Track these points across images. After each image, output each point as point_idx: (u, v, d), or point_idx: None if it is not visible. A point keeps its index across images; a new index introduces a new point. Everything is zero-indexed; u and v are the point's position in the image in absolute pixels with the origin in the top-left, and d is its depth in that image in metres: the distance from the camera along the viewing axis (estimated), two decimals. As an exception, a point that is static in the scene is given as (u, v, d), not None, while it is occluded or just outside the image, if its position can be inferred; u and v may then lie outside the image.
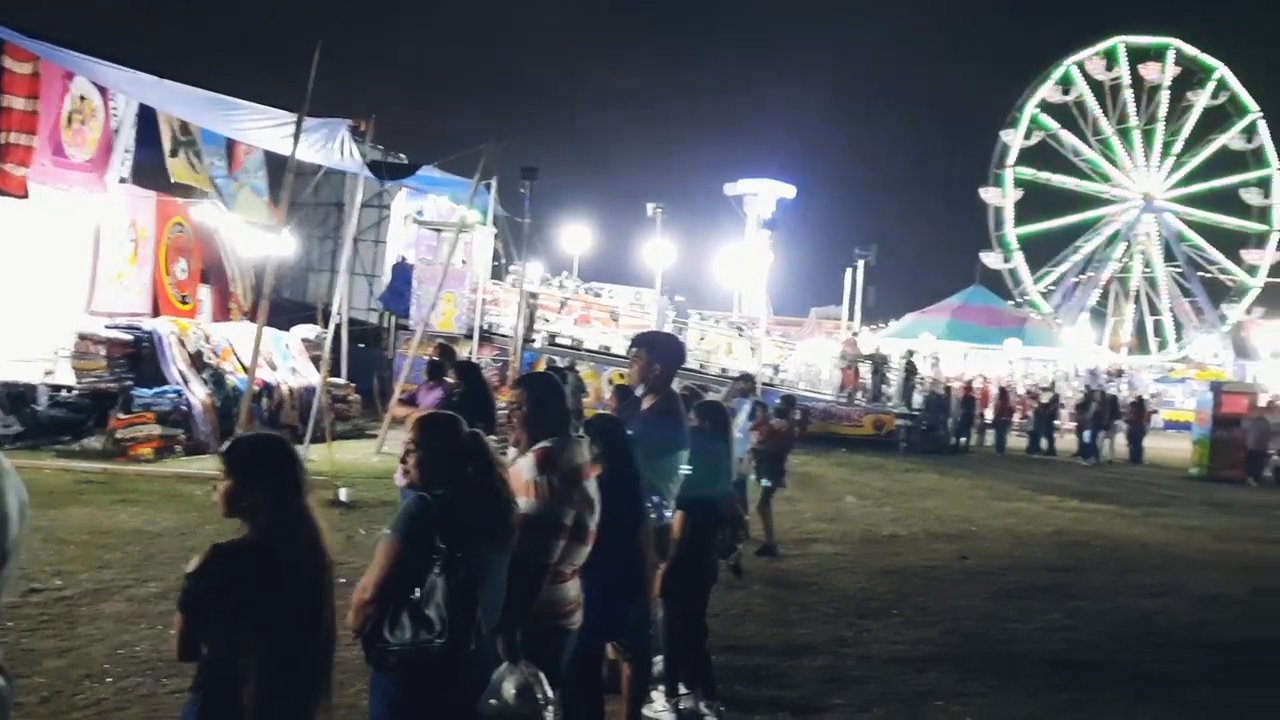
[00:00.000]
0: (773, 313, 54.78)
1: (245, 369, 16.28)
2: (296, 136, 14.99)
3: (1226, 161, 65.76)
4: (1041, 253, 65.82)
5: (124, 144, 19.52)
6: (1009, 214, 63.60)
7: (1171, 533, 15.92)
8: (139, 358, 16.49)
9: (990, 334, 53.69)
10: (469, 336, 24.15)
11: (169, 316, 18.71)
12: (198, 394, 16.41)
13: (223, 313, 22.17)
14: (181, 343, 17.00)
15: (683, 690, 6.43)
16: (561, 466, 4.33)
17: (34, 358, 16.41)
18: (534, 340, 26.21)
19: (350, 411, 20.92)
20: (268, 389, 18.07)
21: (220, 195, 22.35)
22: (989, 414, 32.50)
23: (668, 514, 5.83)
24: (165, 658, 6.37)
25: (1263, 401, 28.39)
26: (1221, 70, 64.65)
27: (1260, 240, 65.27)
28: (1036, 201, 65.10)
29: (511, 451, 4.67)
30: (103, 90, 18.56)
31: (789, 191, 59.90)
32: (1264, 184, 64.90)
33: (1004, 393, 33.50)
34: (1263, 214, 65.16)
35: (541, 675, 3.98)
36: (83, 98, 18.30)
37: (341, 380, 20.93)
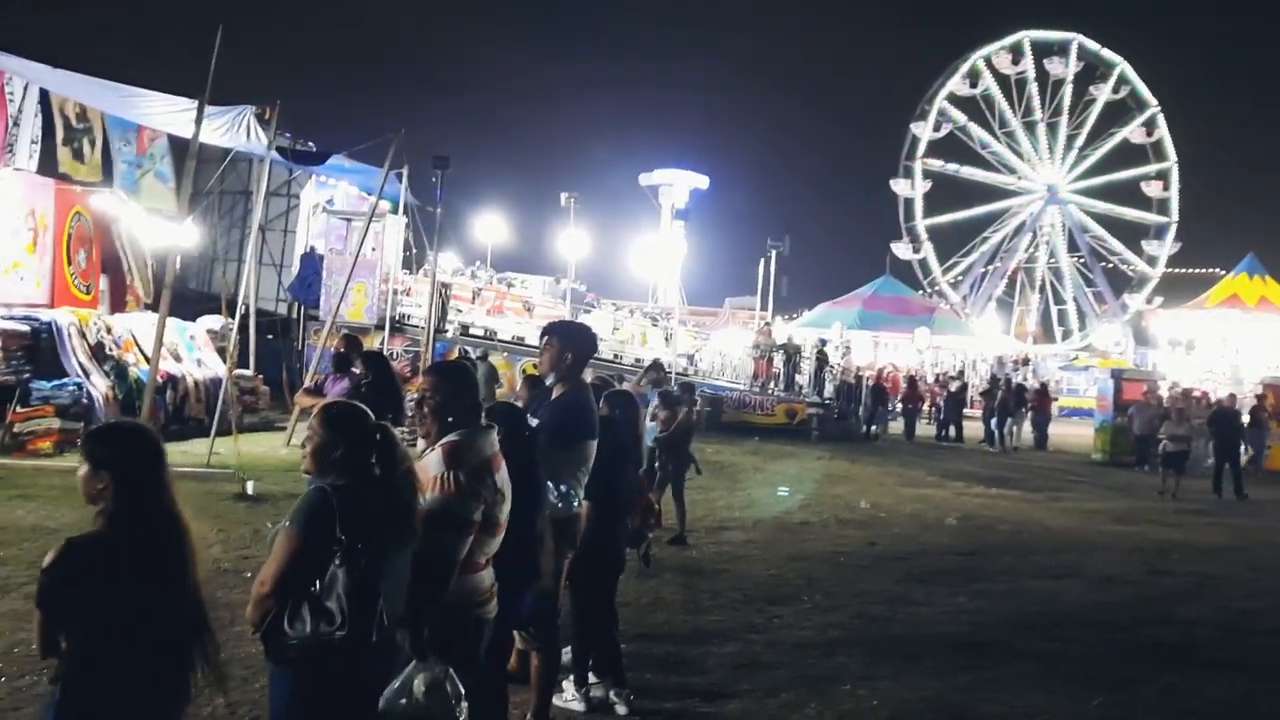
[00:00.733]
0: (687, 303, 55.16)
1: (148, 360, 15.92)
2: (199, 122, 14.68)
3: (1128, 154, 67.71)
4: (950, 243, 67.09)
5: (29, 134, 19.02)
6: (919, 205, 64.55)
7: (1072, 517, 16.33)
8: (37, 349, 16.01)
9: (900, 323, 54.61)
10: (380, 327, 23.94)
11: (69, 307, 18.21)
12: (99, 386, 16.01)
13: (119, 304, 21.65)
14: (82, 334, 16.58)
15: (593, 679, 6.45)
16: (470, 460, 4.28)
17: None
18: (446, 331, 26.03)
19: (258, 404, 20.63)
20: (172, 381, 17.73)
21: (120, 183, 21.85)
22: (899, 402, 33.04)
23: (576, 503, 5.83)
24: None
25: (1163, 389, 29.19)
26: (1122, 65, 66.35)
27: (1159, 231, 67.11)
28: (946, 193, 66.38)
29: (421, 443, 4.63)
30: (-4, 77, 18.05)
31: (703, 182, 60.38)
32: (1163, 176, 66.81)
33: (913, 381, 34.08)
34: (1162, 206, 67.03)
35: (452, 672, 3.95)
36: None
37: (249, 372, 20.61)
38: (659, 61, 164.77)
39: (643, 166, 61.00)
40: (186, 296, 22.35)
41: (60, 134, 20.32)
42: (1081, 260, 68.57)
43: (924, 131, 64.47)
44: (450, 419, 4.40)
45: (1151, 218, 67.39)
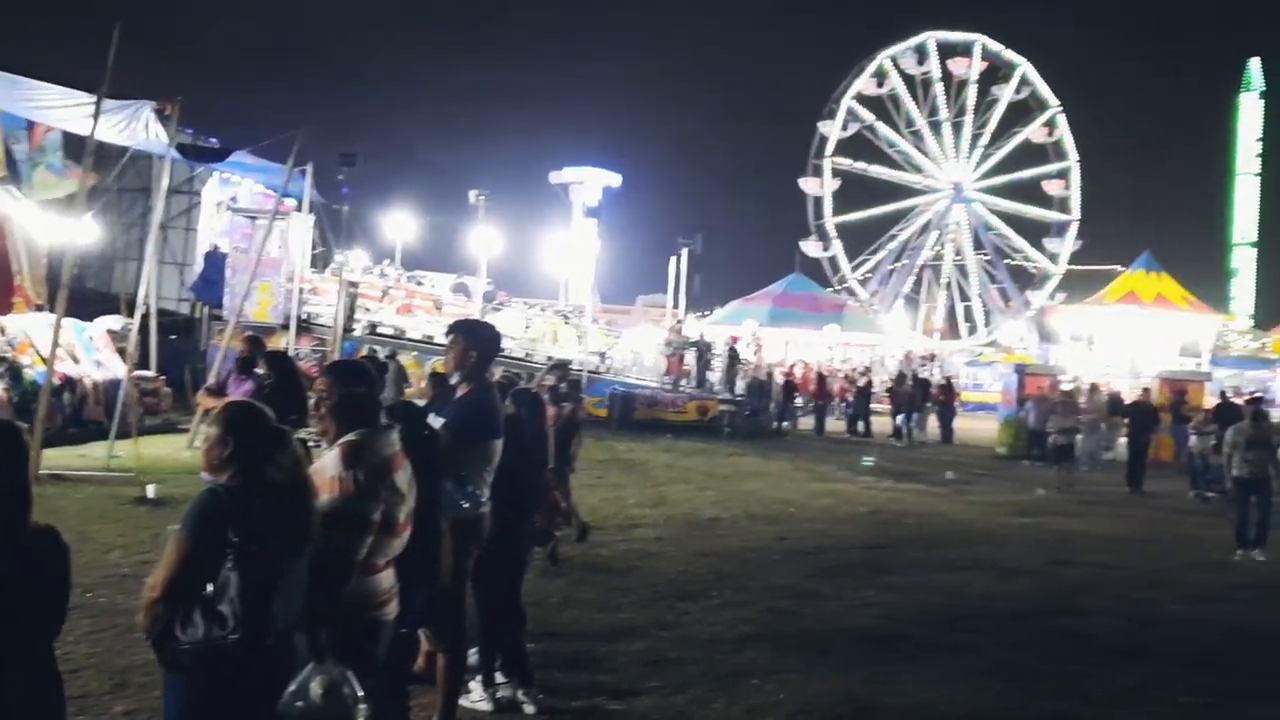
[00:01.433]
0: (599, 300, 55.07)
1: (45, 361, 15.46)
2: (96, 117, 14.30)
3: (1030, 154, 69.19)
4: (859, 241, 67.97)
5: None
6: (828, 203, 65.33)
7: (976, 509, 16.64)
8: (-75, 351, 15.51)
9: (810, 320, 55.22)
10: (286, 326, 23.53)
11: (-42, 308, 17.65)
12: (-8, 389, 15.51)
13: (5, 306, 20.92)
14: (-27, 335, 16.05)
15: (500, 679, 6.40)
16: (368, 460, 4.21)
17: None
18: (355, 330, 25.72)
19: (161, 405, 20.15)
20: (70, 383, 17.24)
21: (13, 179, 21.17)
22: (808, 398, 33.36)
23: (483, 502, 5.78)
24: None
25: (1065, 384, 29.83)
26: (1024, 66, 67.80)
27: (1061, 229, 68.70)
28: (854, 191, 67.25)
29: (324, 445, 4.55)
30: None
31: (615, 180, 60.29)
32: (1064, 175, 68.44)
33: (822, 377, 34.43)
34: (1063, 204, 68.67)
35: (350, 674, 3.88)
36: None
37: (151, 373, 20.11)
38: (569, 60, 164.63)
39: (554, 165, 60.73)
40: (84, 296, 21.67)
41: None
42: (986, 258, 69.88)
43: (832, 130, 65.26)
44: (348, 418, 4.33)
45: (1053, 215, 69.00)
